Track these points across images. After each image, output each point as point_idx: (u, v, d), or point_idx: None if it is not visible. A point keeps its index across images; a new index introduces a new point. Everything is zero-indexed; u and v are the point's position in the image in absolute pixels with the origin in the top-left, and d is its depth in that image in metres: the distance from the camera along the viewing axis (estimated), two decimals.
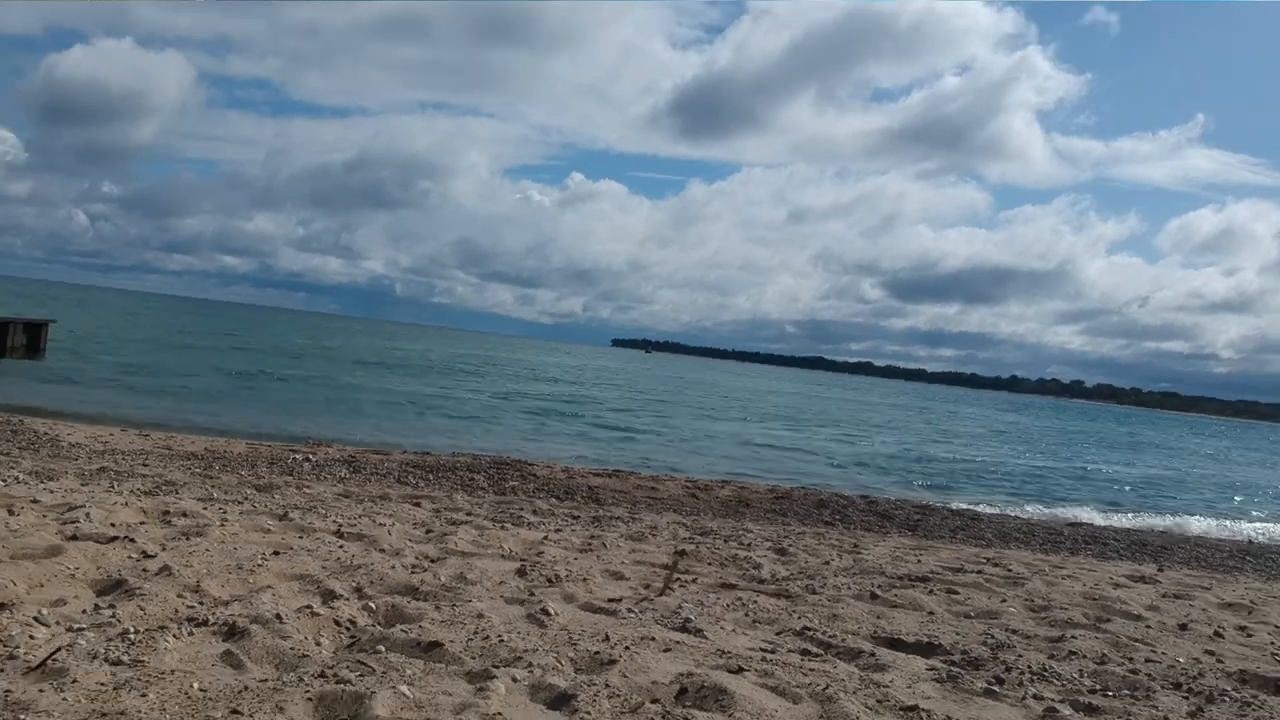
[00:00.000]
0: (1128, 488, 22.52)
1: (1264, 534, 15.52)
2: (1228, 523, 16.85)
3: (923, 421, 46.12)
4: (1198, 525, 15.92)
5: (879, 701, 3.26)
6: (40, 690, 2.55)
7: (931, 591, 5.50)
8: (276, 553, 4.60)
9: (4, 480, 6.28)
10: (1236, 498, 22.85)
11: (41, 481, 6.51)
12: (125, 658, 2.90)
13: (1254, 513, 19.62)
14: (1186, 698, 3.76)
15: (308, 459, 11.34)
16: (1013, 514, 14.44)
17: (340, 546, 4.96)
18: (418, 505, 7.88)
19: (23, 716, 2.34)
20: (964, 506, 14.44)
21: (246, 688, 2.75)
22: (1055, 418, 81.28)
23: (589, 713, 2.82)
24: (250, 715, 2.49)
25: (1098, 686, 3.81)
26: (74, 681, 2.63)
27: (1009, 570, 6.79)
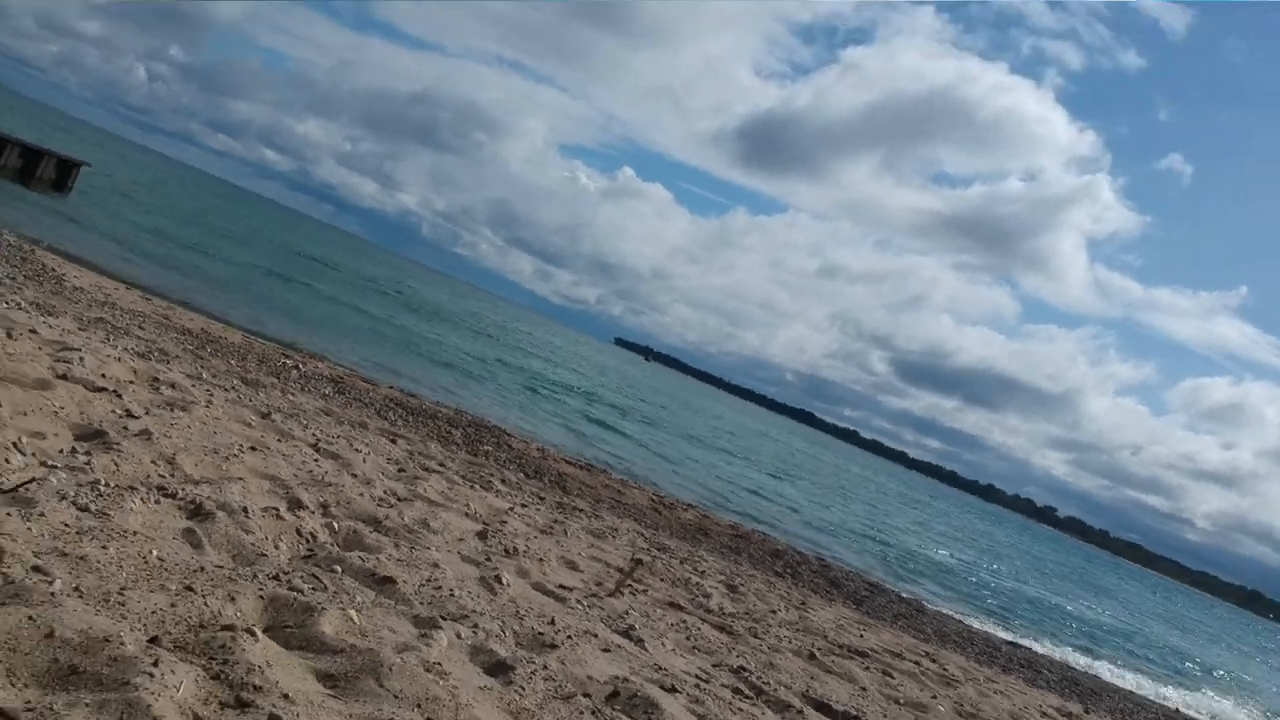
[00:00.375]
0: (1076, 625, 22.53)
1: (1193, 708, 15.53)
2: (1164, 688, 16.86)
3: (901, 505, 46.15)
4: (1131, 680, 15.93)
5: None
6: (7, 514, 2.56)
7: (868, 668, 5.51)
8: (253, 448, 4.61)
9: (6, 303, 6.28)
10: (1186, 664, 22.86)
11: (42, 315, 6.52)
12: (92, 507, 2.91)
13: (1196, 679, 19.64)
14: None
15: (297, 367, 11.33)
16: (956, 616, 14.45)
17: (315, 460, 4.97)
18: (394, 442, 7.89)
19: None
20: (911, 595, 14.45)
21: (202, 569, 2.76)
22: (1031, 540, 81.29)
23: (524, 688, 2.83)
24: (203, 596, 2.50)
25: None
26: (40, 515, 2.64)
27: (945, 670, 6.80)
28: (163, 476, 3.55)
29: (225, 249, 30.36)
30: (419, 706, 2.38)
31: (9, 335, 4.78)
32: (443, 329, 35.72)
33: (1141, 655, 21.71)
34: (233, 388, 6.74)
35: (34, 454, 3.20)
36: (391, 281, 60.94)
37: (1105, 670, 15.92)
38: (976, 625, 14.48)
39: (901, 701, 5.02)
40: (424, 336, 28.05)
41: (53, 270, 10.83)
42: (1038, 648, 15.03)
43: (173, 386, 5.33)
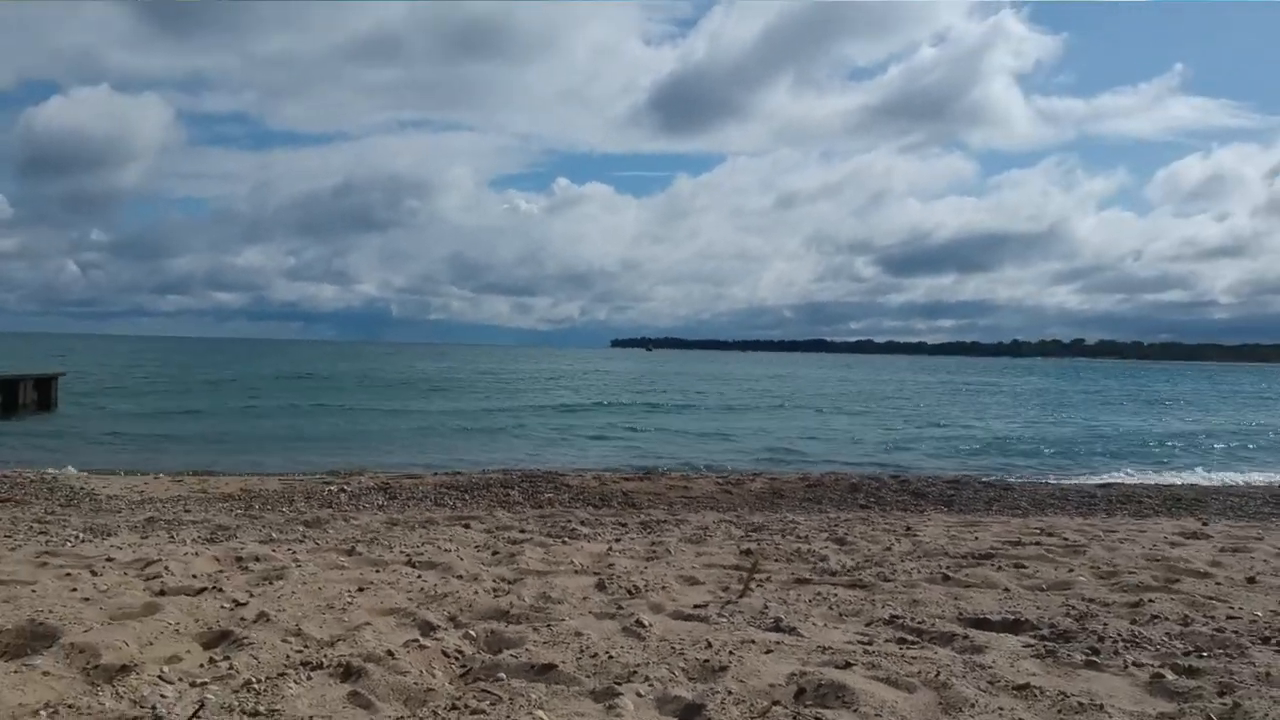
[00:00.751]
0: (1150, 443, 22.61)
1: None
2: (1248, 471, 16.94)
3: (934, 395, 46.25)
4: (1222, 477, 16.00)
5: (990, 683, 3.32)
6: None
7: (999, 568, 5.56)
8: (360, 589, 4.66)
9: (67, 540, 6.33)
10: (1250, 445, 22.92)
11: (101, 538, 6.57)
12: (261, 708, 2.96)
13: (1268, 457, 19.73)
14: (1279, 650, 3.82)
15: (343, 490, 11.39)
16: (1041, 480, 14.52)
17: (419, 577, 5.02)
18: (467, 527, 7.93)
19: None
20: (993, 477, 14.52)
21: None
22: (1058, 379, 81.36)
23: None
24: None
25: (1190, 648, 3.87)
26: None
27: (1065, 539, 6.86)
28: (299, 651, 3.60)
29: (216, 401, 30.44)
30: None
31: (93, 573, 4.83)
32: (443, 397, 35.79)
33: (1219, 448, 21.79)
34: (304, 536, 6.79)
35: (179, 678, 3.25)
36: (380, 371, 61.01)
37: (1196, 476, 16.00)
38: (1064, 481, 14.55)
39: (1045, 587, 5.07)
40: (430, 411, 28.12)
41: (82, 489, 10.90)
42: (1128, 479, 15.11)
43: (257, 560, 5.38)
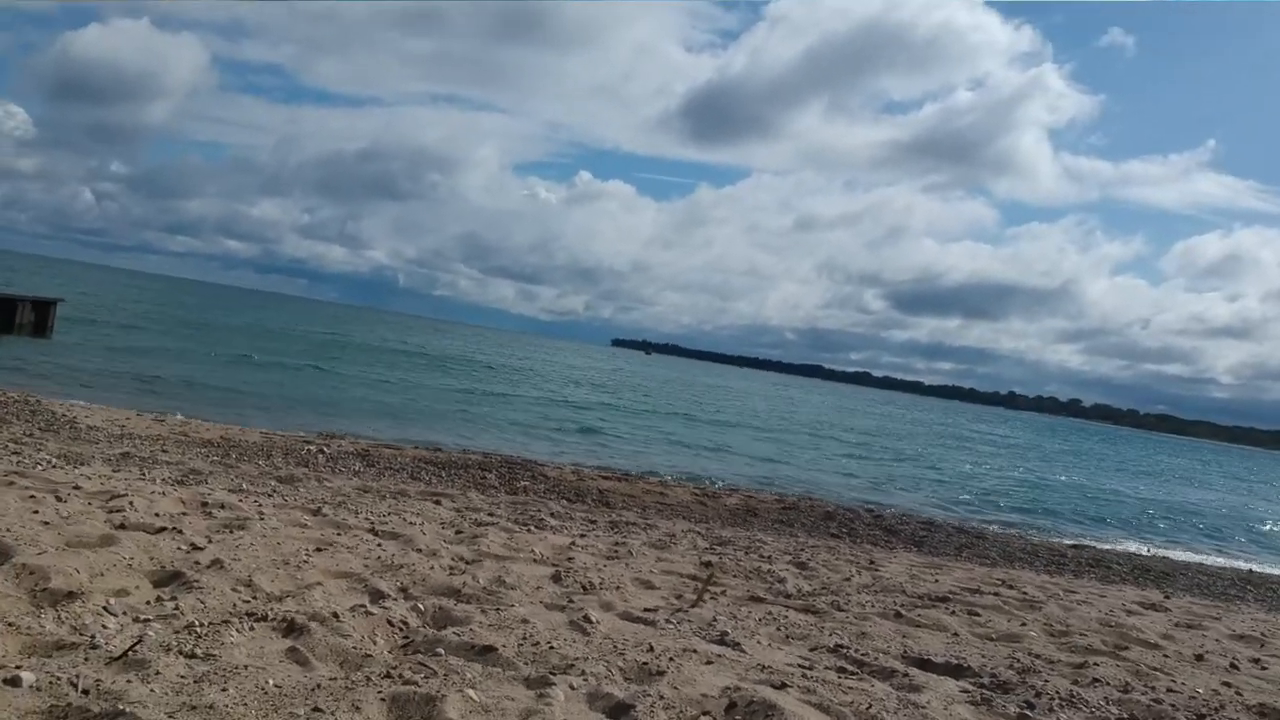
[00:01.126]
0: (1127, 511, 22.65)
1: (1261, 564, 15.63)
2: (1223, 552, 16.98)
3: (928, 433, 46.29)
4: (1194, 553, 16.04)
5: None
6: (128, 681, 2.63)
7: (953, 612, 5.59)
8: (319, 549, 4.69)
9: (39, 464, 6.36)
10: (1232, 528, 22.95)
11: (73, 466, 6.60)
12: (198, 651, 2.99)
13: (1241, 539, 19.76)
14: None
15: (321, 450, 11.41)
16: (1016, 533, 14.55)
17: (378, 545, 5.05)
18: (438, 504, 7.96)
19: (120, 705, 2.42)
20: (966, 523, 14.54)
21: (319, 686, 2.84)
22: (1057, 438, 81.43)
23: None
24: (331, 714, 2.58)
25: (1125, 715, 3.90)
26: (156, 673, 2.72)
27: (1024, 593, 6.89)
28: (248, 602, 3.63)
29: (213, 347, 30.46)
30: None
31: (58, 499, 4.86)
32: (434, 375, 35.80)
33: (1199, 526, 21.83)
34: (273, 491, 6.81)
35: (124, 612, 3.28)
36: (382, 340, 61.02)
37: (1169, 550, 16.04)
38: (1036, 537, 14.58)
39: (994, 637, 5.11)
40: (425, 387, 28.13)
41: (64, 416, 10.92)
42: (1100, 544, 15.14)
43: (222, 507, 5.40)
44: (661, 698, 3.14)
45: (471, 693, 2.91)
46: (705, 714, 3.09)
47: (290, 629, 3.37)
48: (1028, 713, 3.70)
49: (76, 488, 5.31)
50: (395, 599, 4.00)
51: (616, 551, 6.09)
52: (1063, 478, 31.15)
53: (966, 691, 3.89)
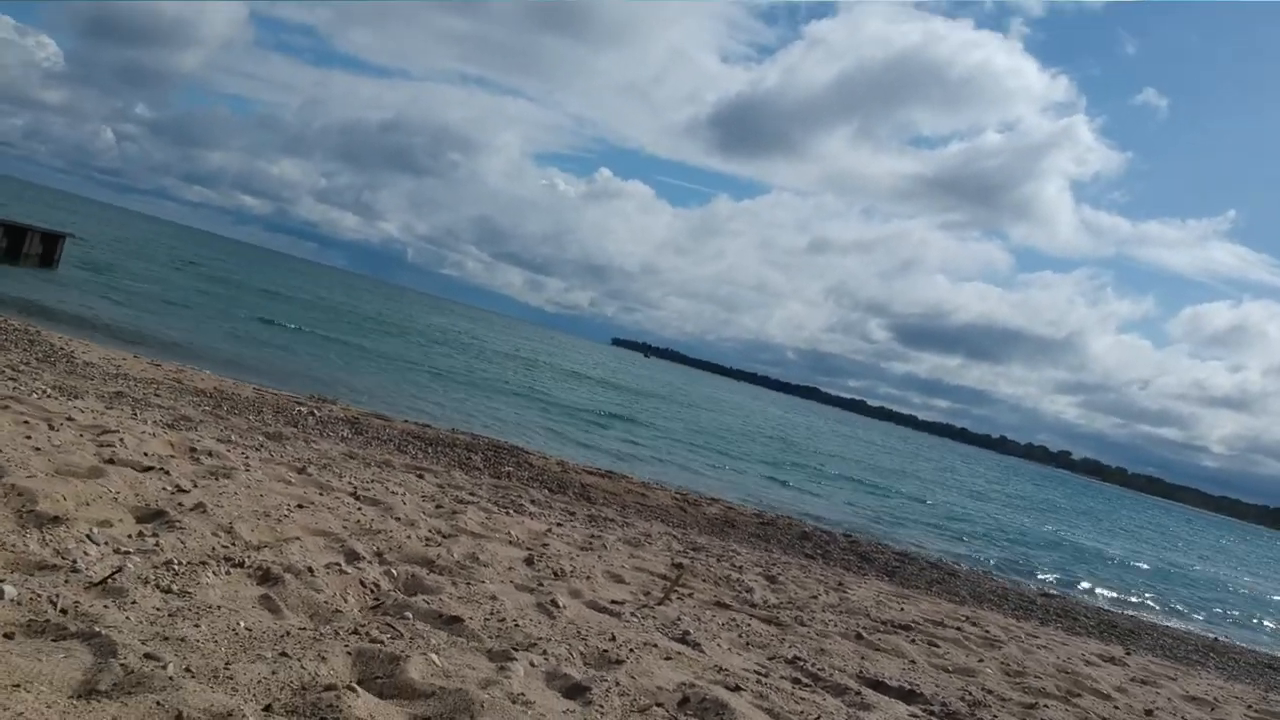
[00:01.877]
0: (1104, 567, 22.73)
1: (1228, 634, 15.72)
2: (1189, 619, 17.06)
3: (931, 469, 46.41)
4: (1164, 618, 16.13)
5: None
6: (105, 606, 2.72)
7: (913, 640, 5.68)
8: (300, 505, 4.77)
9: (34, 392, 6.44)
10: (1210, 597, 23.04)
11: (68, 398, 6.67)
12: (174, 587, 3.07)
13: (1217, 610, 19.84)
14: None
15: (312, 413, 11.48)
16: (987, 575, 14.64)
17: (359, 509, 5.13)
18: (421, 477, 8.04)
19: (96, 628, 2.50)
20: (938, 558, 14.63)
21: (288, 633, 2.92)
22: (1053, 490, 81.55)
23: (602, 707, 2.99)
24: (298, 660, 2.66)
25: None
26: (133, 603, 2.80)
27: (987, 632, 6.97)
28: (227, 547, 3.71)
29: (218, 300, 30.53)
30: None
31: (51, 427, 4.94)
32: (429, 352, 35.88)
33: (1172, 590, 21.91)
34: (260, 445, 6.89)
35: (106, 542, 3.36)
36: (386, 312, 61.09)
37: (1140, 609, 16.13)
38: (1007, 582, 14.67)
39: (950, 669, 5.19)
40: (419, 365, 28.21)
41: (61, 349, 10.99)
42: (1071, 595, 15.23)
43: (210, 454, 5.48)
44: (617, 684, 3.22)
45: (434, 657, 2.99)
46: (658, 705, 3.17)
47: (265, 577, 3.45)
48: None
49: (69, 419, 5.39)
50: (370, 562, 4.08)
51: (591, 543, 6.17)
52: (1047, 528, 31.24)
53: (915, 717, 3.98)
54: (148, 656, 2.38)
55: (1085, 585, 17.65)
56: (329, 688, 2.48)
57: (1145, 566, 26.39)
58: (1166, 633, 13.23)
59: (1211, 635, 14.81)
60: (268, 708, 2.32)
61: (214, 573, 3.33)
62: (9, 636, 2.39)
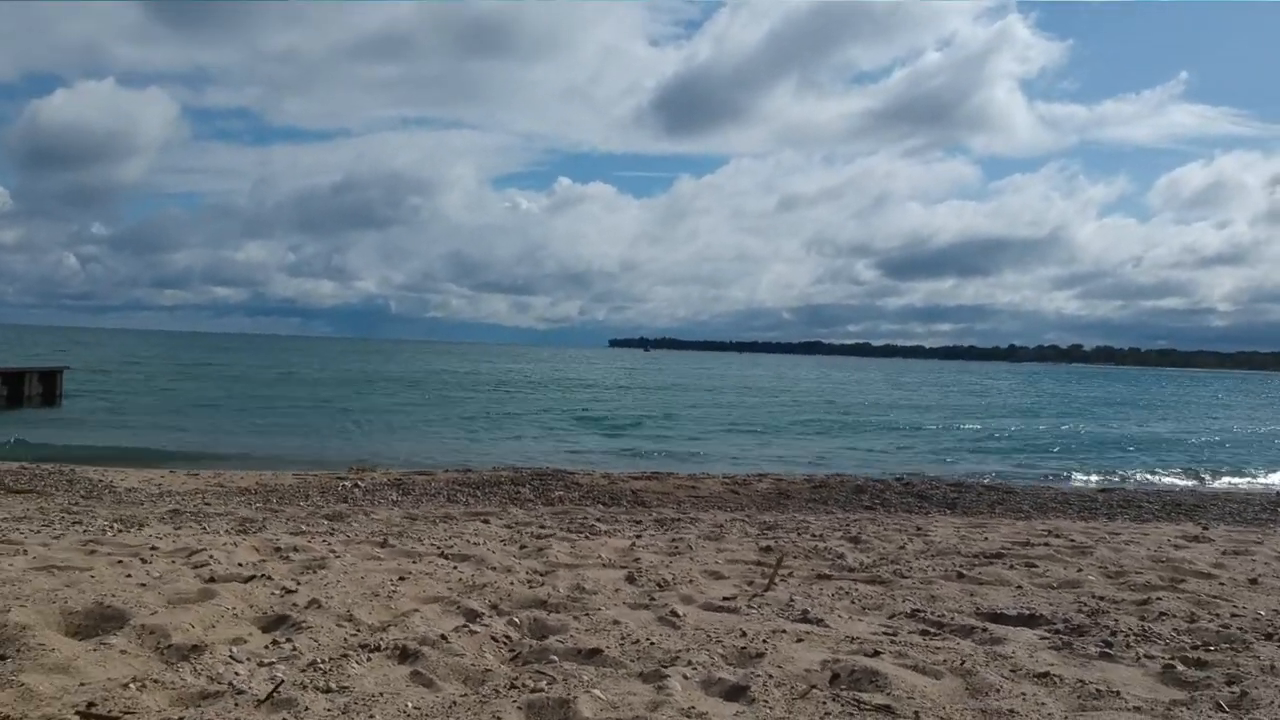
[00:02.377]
0: (1148, 448, 22.85)
1: None
2: (1244, 478, 17.19)
3: (940, 396, 46.54)
4: (1219, 481, 16.26)
5: (1012, 671, 3.52)
6: (285, 718, 2.80)
7: (1011, 566, 5.77)
8: (401, 578, 4.85)
9: (105, 530, 6.51)
10: (1245, 452, 23.16)
11: (136, 528, 6.75)
12: (331, 685, 3.15)
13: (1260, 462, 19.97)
14: None
15: (357, 485, 11.57)
16: (1043, 485, 14.74)
17: (454, 568, 5.22)
18: (487, 522, 8.12)
19: None
20: (993, 479, 14.74)
21: (455, 702, 3.00)
22: (1056, 382, 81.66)
23: (765, 700, 3.08)
24: None
25: (1198, 643, 4.08)
26: (305, 709, 2.88)
27: (1072, 540, 7.07)
28: (355, 634, 3.79)
29: (220, 395, 30.60)
30: None
31: (143, 560, 5.02)
32: (440, 393, 35.96)
33: (1213, 455, 22.03)
34: (332, 530, 6.97)
35: (249, 658, 3.44)
36: (374, 370, 61.14)
37: (1196, 481, 16.25)
38: (1064, 486, 14.79)
39: (1055, 585, 5.28)
40: (429, 407, 28.31)
41: (100, 481, 11.07)
42: (1127, 485, 15.34)
43: (295, 550, 5.56)
44: (770, 676, 3.31)
45: (596, 692, 3.08)
46: (814, 687, 3.25)
47: (404, 655, 3.53)
48: (1108, 651, 3.87)
49: (154, 548, 5.47)
50: (490, 616, 4.16)
51: (676, 548, 6.26)
52: (1081, 424, 31.36)
53: (1045, 638, 4.07)
54: None
55: (1129, 472, 17.77)
56: None
57: (1178, 439, 26.52)
58: (1229, 497, 13.35)
59: (1275, 490, 14.93)
60: None
61: (357, 662, 3.41)
62: None
